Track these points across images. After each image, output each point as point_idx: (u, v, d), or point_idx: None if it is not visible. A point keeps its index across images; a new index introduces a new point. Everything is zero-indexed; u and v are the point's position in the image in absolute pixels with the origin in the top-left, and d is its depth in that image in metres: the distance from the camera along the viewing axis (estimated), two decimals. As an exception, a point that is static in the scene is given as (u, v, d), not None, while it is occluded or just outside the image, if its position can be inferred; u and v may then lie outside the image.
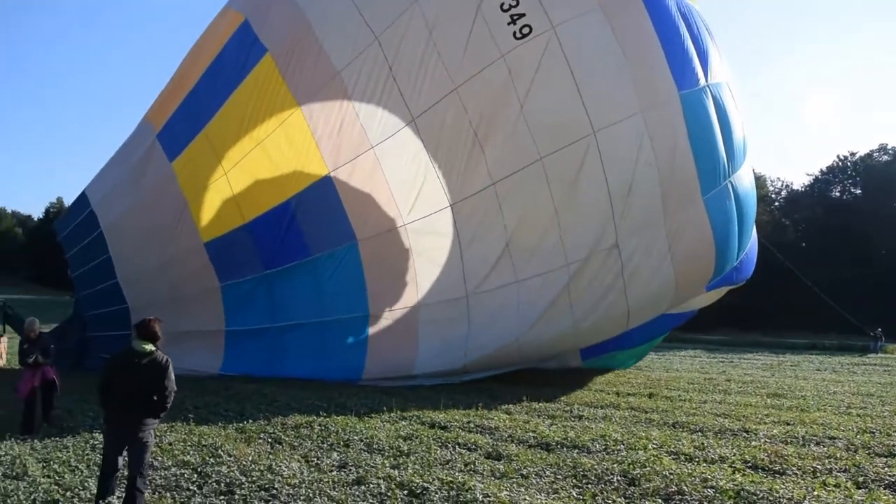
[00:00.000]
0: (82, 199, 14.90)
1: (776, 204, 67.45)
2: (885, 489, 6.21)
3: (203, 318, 13.63)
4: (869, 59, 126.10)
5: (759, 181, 64.47)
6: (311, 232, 13.14)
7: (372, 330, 13.25)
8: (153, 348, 5.50)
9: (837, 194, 66.67)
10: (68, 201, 71.10)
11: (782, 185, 70.63)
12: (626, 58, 12.16)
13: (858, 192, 65.12)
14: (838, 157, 67.54)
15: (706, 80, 12.70)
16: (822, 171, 67.66)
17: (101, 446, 6.52)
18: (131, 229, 13.94)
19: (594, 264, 12.51)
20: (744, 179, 13.72)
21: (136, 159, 14.44)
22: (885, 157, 64.75)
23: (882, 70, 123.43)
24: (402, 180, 12.89)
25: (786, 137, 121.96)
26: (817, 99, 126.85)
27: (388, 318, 13.27)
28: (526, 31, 12.21)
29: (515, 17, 12.24)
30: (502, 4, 12.31)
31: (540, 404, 11.15)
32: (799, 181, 75.66)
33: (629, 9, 12.40)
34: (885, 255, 57.88)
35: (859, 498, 5.69)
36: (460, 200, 12.74)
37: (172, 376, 5.47)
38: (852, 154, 66.50)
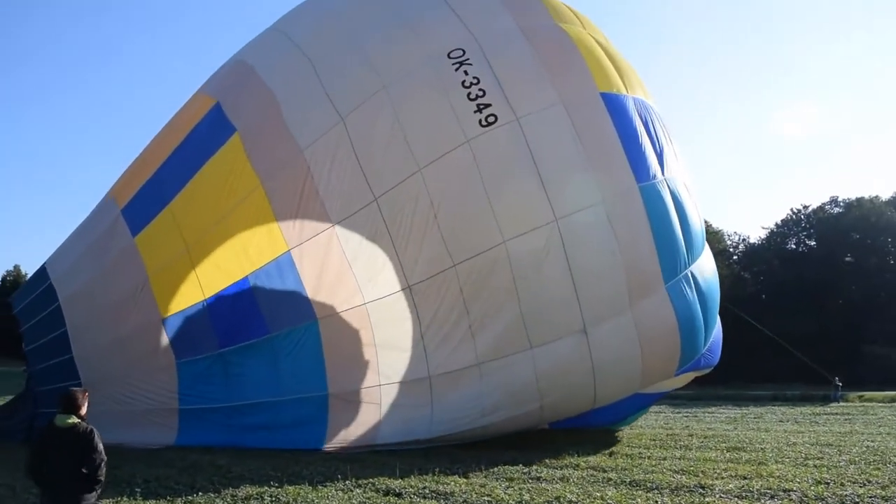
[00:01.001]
0: (41, 272, 14.69)
1: (734, 258, 68.70)
2: (833, 542, 6.23)
3: (157, 396, 13.32)
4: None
5: (717, 236, 65.90)
6: (270, 309, 13.01)
7: (332, 410, 13.08)
8: (75, 420, 5.34)
9: (793, 246, 68.19)
10: (25, 268, 69.96)
11: (739, 239, 72.11)
12: (586, 151, 12.78)
13: (813, 243, 66.69)
14: (792, 210, 69.28)
15: (662, 175, 13.39)
16: (777, 224, 69.35)
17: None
18: (90, 303, 13.68)
19: (561, 349, 12.70)
20: (704, 268, 14.35)
21: (99, 234, 14.34)
22: (837, 209, 66.60)
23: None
24: (361, 260, 12.90)
25: (741, 190, 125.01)
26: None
27: (348, 399, 13.12)
28: (491, 119, 12.71)
29: (482, 107, 12.75)
30: (469, 94, 12.82)
31: (499, 467, 11.03)
32: (755, 235, 77.36)
33: (590, 105, 13.18)
34: (841, 304, 59.06)
35: (805, 552, 5.70)
36: (420, 282, 12.75)
37: (100, 445, 5.31)
38: (805, 207, 68.31)
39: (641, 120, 13.68)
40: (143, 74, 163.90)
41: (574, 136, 12.85)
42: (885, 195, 67.36)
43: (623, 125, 13.29)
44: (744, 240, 71.97)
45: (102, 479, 5.33)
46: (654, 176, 13.31)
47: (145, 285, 13.36)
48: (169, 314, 13.22)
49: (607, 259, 12.64)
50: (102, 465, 5.31)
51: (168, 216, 13.60)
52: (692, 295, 13.67)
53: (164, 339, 13.17)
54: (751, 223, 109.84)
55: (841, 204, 66.53)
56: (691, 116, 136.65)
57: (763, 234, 70.86)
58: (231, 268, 13.17)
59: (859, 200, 65.30)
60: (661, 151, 13.78)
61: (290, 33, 14.65)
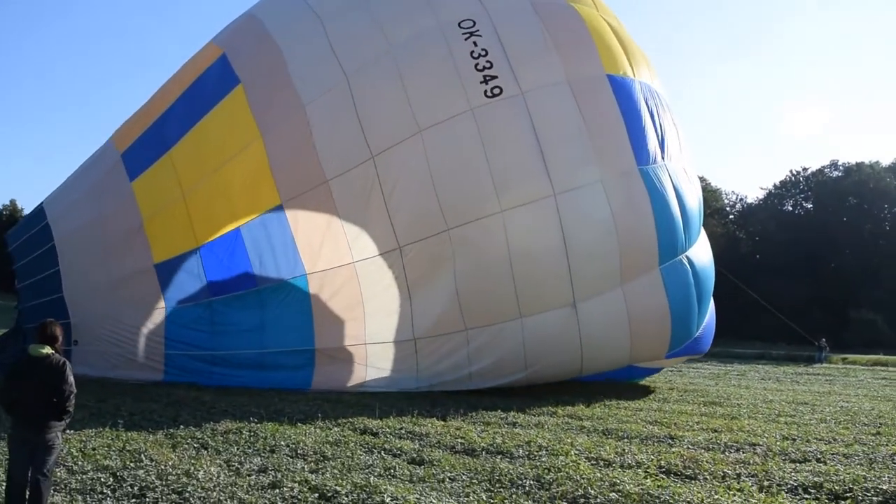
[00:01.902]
0: (39, 212, 14.75)
1: (731, 217, 68.78)
2: (787, 493, 6.45)
3: (144, 340, 13.47)
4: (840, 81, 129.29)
5: (715, 194, 65.89)
6: (259, 261, 13.14)
7: (318, 364, 13.29)
8: (50, 351, 5.46)
9: (790, 209, 68.21)
10: (21, 203, 69.73)
11: (737, 199, 72.11)
12: (588, 129, 12.94)
13: (810, 206, 66.70)
14: (791, 171, 69.18)
15: (663, 160, 13.62)
16: (775, 185, 69.25)
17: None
18: (84, 245, 13.79)
19: (550, 321, 12.86)
20: (700, 254, 14.54)
21: (97, 178, 14.40)
22: (836, 173, 66.43)
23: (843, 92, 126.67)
24: (353, 217, 12.96)
25: (744, 150, 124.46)
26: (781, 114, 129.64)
27: (334, 355, 13.30)
28: (497, 91, 12.83)
29: (488, 78, 12.87)
30: (476, 65, 12.93)
31: (478, 412, 11.26)
32: (753, 195, 77.30)
33: (595, 86, 13.40)
34: (834, 268, 59.34)
35: (754, 500, 5.91)
36: (411, 243, 12.81)
37: (71, 378, 5.44)
38: (804, 169, 68.12)
39: (646, 104, 13.82)
40: (157, 19, 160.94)
41: (577, 115, 12.98)
42: (886, 161, 67.17)
43: (627, 108, 13.45)
44: (741, 199, 72.00)
45: (71, 410, 5.46)
46: (655, 160, 13.53)
47: (140, 230, 13.46)
48: (161, 260, 13.33)
49: (603, 238, 12.81)
50: (72, 396, 5.43)
51: (167, 162, 13.65)
52: (687, 279, 13.90)
53: (155, 285, 13.28)
54: (750, 183, 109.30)
55: (841, 168, 66.34)
56: (693, 74, 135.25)
57: (761, 194, 70.87)
58: (224, 217, 13.26)
59: (859, 165, 65.09)
60: (664, 136, 13.97)
61: None
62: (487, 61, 12.96)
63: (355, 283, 12.95)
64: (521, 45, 13.26)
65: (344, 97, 13.10)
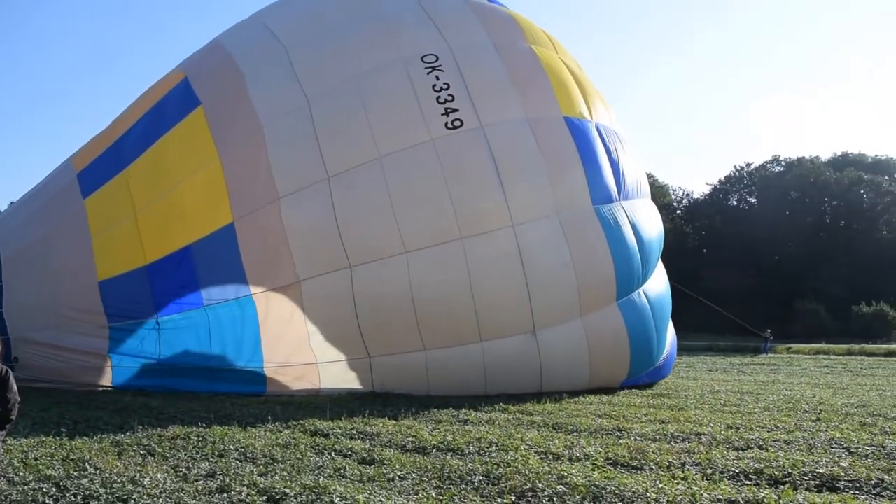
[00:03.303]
0: None
1: (678, 212, 70.08)
2: (729, 480, 6.62)
3: (88, 358, 13.24)
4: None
5: (662, 190, 67.11)
6: (207, 279, 13.00)
7: (270, 383, 13.22)
8: (-10, 363, 5.38)
9: (735, 203, 69.84)
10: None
11: (683, 194, 73.57)
12: (547, 165, 13.29)
13: (754, 200, 68.36)
14: (735, 167, 70.83)
15: (619, 198, 14.14)
16: (720, 180, 70.84)
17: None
18: (29, 261, 13.59)
19: (511, 346, 13.06)
20: (656, 285, 15.07)
21: (51, 197, 14.29)
22: (778, 168, 68.23)
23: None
24: (302, 236, 12.87)
25: (688, 146, 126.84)
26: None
27: (285, 374, 13.23)
28: (458, 123, 13.08)
29: (449, 110, 13.11)
30: (438, 97, 13.18)
31: (430, 411, 11.28)
32: (699, 190, 78.99)
33: (553, 126, 13.73)
34: (777, 260, 60.91)
35: (697, 488, 6.06)
36: (364, 263, 12.72)
37: (14, 387, 5.37)
38: (748, 164, 69.81)
39: (603, 145, 14.25)
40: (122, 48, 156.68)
41: (536, 150, 13.30)
42: (825, 156, 69.19)
43: (584, 149, 13.82)
44: (688, 195, 73.48)
45: (13, 418, 5.41)
46: (612, 199, 13.98)
47: (86, 247, 13.29)
48: (106, 277, 13.15)
49: (560, 270, 13.08)
50: (16, 405, 5.39)
51: (122, 181, 13.59)
52: (645, 312, 14.39)
53: (98, 303, 13.06)
54: (696, 179, 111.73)
55: (783, 163, 68.17)
56: (638, 71, 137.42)
57: (707, 189, 72.37)
58: (176, 235, 13.16)
59: (800, 160, 66.94)
60: (622, 175, 14.42)
61: (267, 22, 14.86)
62: (449, 94, 13.21)
63: (301, 303, 12.75)
64: (483, 82, 13.57)
65: (304, 120, 13.13)
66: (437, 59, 13.55)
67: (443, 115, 13.09)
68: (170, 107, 14.09)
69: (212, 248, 12.99)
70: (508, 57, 14.09)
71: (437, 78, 13.34)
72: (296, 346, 12.98)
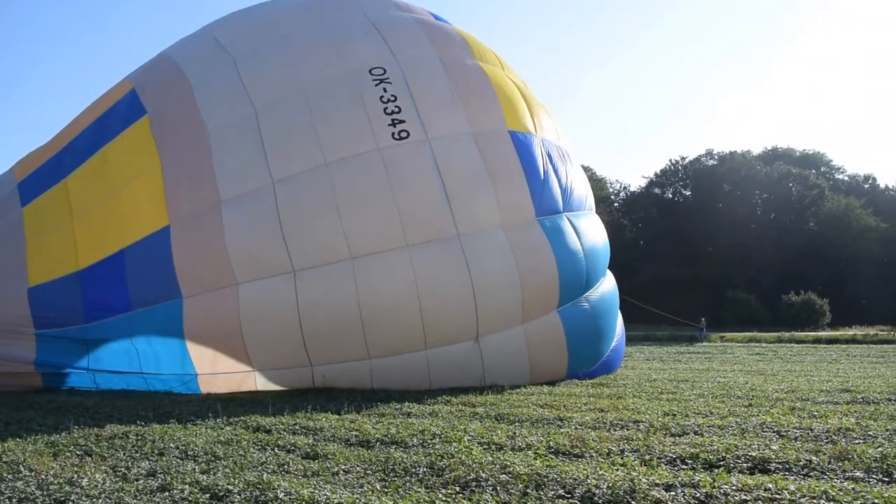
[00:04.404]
0: None
1: (615, 205, 71.40)
2: (666, 464, 6.82)
3: (16, 365, 12.73)
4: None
5: (601, 183, 68.26)
6: (135, 283, 12.66)
7: (202, 384, 13.04)
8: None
9: (670, 196, 71.45)
10: None
11: (621, 187, 74.97)
12: (490, 178, 13.56)
13: (688, 193, 70.05)
14: (670, 161, 72.44)
15: (563, 211, 14.51)
16: (656, 174, 72.39)
17: None
18: None
19: (454, 353, 13.21)
20: (602, 291, 15.55)
21: None
22: (712, 162, 70.04)
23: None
24: (243, 239, 12.59)
25: (625, 140, 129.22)
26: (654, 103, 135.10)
27: (218, 381, 13.03)
28: (404, 135, 13.21)
29: (396, 122, 13.26)
30: (385, 108, 13.31)
31: (373, 405, 11.29)
32: (636, 183, 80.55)
33: (498, 139, 14.06)
34: (711, 251, 62.58)
35: (636, 473, 6.23)
36: (309, 268, 12.53)
37: None
38: (683, 158, 71.44)
39: (549, 158, 14.55)
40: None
41: (481, 163, 13.50)
42: (756, 150, 71.28)
43: (528, 162, 14.07)
44: (625, 188, 74.92)
45: None
46: (558, 210, 14.33)
47: (20, 253, 12.95)
48: (36, 283, 12.80)
49: (505, 279, 13.27)
50: None
51: (61, 189, 13.37)
52: (586, 318, 14.77)
53: (25, 309, 12.66)
54: (632, 172, 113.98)
55: (716, 157, 70.00)
56: (581, 66, 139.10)
57: (643, 182, 73.89)
58: (110, 240, 12.86)
59: (732, 154, 68.82)
60: (567, 188, 14.79)
61: (216, 34, 14.84)
62: (396, 106, 13.34)
63: (237, 308, 12.41)
64: (429, 96, 13.73)
65: (250, 127, 13.03)
66: (385, 71, 13.73)
67: (389, 125, 13.23)
68: (115, 117, 13.93)
69: (144, 252, 12.67)
70: (455, 72, 14.36)
71: (385, 90, 13.50)
72: (231, 353, 12.67)
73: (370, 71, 13.72)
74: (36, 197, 13.46)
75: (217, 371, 12.87)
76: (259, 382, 12.96)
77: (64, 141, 14.29)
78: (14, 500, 5.76)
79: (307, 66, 13.84)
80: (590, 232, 15.20)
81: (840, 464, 6.64)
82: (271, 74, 13.76)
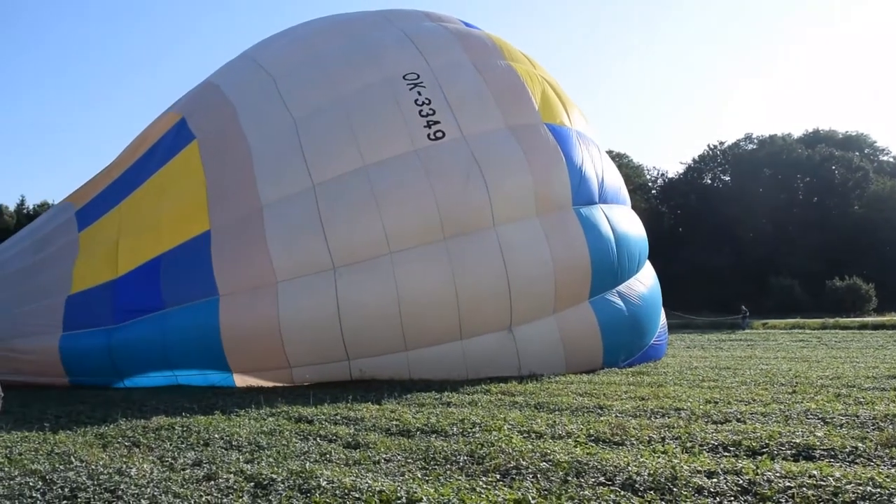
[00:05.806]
0: None
1: (653, 192, 70.57)
2: (708, 452, 6.76)
3: (43, 368, 13.08)
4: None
5: (637, 170, 67.55)
6: (170, 284, 12.87)
7: (237, 379, 13.12)
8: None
9: (709, 181, 70.42)
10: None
11: (658, 174, 74.02)
12: (530, 167, 13.78)
13: (727, 178, 68.96)
14: (708, 146, 71.34)
15: (599, 202, 14.81)
16: (694, 159, 71.37)
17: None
18: (14, 285, 13.76)
19: (489, 342, 13.40)
20: (641, 284, 15.76)
21: (47, 232, 14.58)
22: (751, 146, 68.85)
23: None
24: (287, 238, 12.87)
25: (663, 125, 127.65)
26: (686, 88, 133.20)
27: (252, 375, 13.10)
28: (440, 135, 13.67)
29: (431, 123, 13.66)
30: (420, 111, 13.78)
31: (412, 394, 11.37)
32: (673, 169, 79.56)
33: (536, 131, 14.33)
34: (752, 237, 61.59)
35: (677, 461, 6.19)
36: (349, 264, 12.72)
37: None
38: (721, 143, 70.36)
39: (586, 150, 14.86)
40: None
41: (520, 154, 13.86)
42: (797, 133, 69.87)
43: (567, 151, 14.37)
44: (662, 174, 73.93)
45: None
46: (592, 201, 14.59)
47: (68, 268, 13.55)
48: (76, 291, 13.29)
49: (540, 269, 13.46)
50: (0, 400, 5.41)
51: (115, 214, 14.00)
52: (620, 307, 14.88)
53: (59, 315, 13.09)
54: (670, 158, 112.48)
55: (755, 141, 68.78)
56: (614, 55, 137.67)
57: (681, 168, 72.87)
58: (148, 248, 13.25)
59: (772, 137, 67.57)
60: (602, 181, 15.06)
61: (256, 57, 15.55)
62: (431, 108, 13.77)
63: (275, 306, 12.52)
64: (463, 96, 14.20)
65: (290, 135, 13.54)
66: (419, 76, 14.16)
67: (425, 127, 13.60)
68: (165, 144, 14.52)
69: (181, 255, 12.98)
70: (487, 73, 14.74)
71: (419, 94, 13.93)
72: (268, 349, 12.71)
73: (404, 77, 14.15)
74: (92, 222, 14.08)
75: (252, 368, 13.01)
76: (296, 377, 13.09)
77: (118, 170, 14.92)
78: (66, 490, 5.93)
79: (343, 77, 14.27)
80: (623, 223, 15.32)
81: (887, 451, 6.53)
82: (309, 87, 14.25)
